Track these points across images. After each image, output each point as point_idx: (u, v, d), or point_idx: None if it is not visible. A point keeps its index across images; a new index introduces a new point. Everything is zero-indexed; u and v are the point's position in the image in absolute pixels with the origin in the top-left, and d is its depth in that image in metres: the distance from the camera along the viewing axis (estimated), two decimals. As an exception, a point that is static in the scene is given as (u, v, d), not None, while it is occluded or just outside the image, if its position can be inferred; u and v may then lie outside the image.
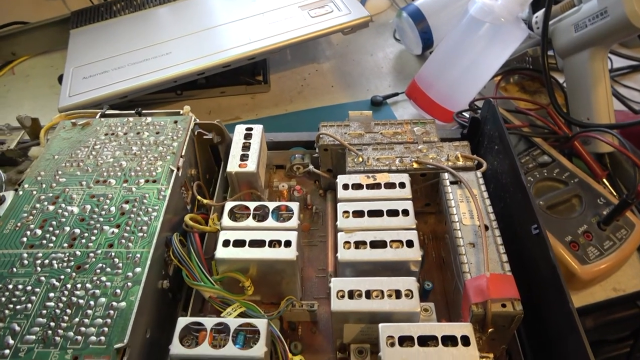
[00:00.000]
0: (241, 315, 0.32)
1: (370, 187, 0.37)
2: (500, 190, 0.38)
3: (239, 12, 0.70)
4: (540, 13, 0.57)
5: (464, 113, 0.55)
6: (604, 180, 0.52)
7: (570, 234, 0.46)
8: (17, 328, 0.29)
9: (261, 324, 0.29)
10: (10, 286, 0.31)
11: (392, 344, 0.28)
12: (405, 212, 0.35)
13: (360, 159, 0.39)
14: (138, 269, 0.32)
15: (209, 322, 0.30)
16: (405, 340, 0.28)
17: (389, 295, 0.30)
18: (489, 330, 0.30)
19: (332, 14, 0.65)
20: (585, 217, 0.47)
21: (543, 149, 0.53)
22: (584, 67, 0.53)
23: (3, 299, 0.30)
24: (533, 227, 0.32)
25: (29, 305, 0.30)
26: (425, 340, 0.28)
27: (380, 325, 0.29)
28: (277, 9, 0.68)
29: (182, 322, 0.30)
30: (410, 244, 0.33)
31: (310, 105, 0.70)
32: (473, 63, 0.59)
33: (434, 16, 0.71)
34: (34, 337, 0.28)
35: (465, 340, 0.28)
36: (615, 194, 0.51)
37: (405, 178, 0.37)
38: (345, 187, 0.37)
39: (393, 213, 0.35)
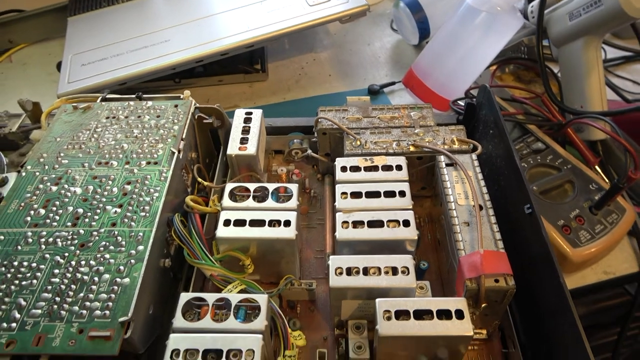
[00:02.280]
0: (242, 292, 0.33)
1: (368, 169, 0.38)
2: (495, 173, 0.39)
3: (237, 0, 0.70)
4: (535, 2, 0.57)
5: (459, 101, 0.55)
6: (597, 167, 0.53)
7: (563, 218, 0.47)
8: (23, 303, 0.30)
9: (262, 299, 0.30)
10: (16, 263, 0.31)
11: (389, 318, 0.29)
12: (402, 193, 0.35)
13: (358, 143, 0.40)
14: (141, 247, 0.32)
15: (210, 297, 0.30)
16: (402, 315, 0.29)
17: (386, 272, 0.31)
18: (483, 306, 0.30)
19: (330, 2, 0.65)
20: (577, 202, 0.48)
21: (537, 136, 0.54)
22: (578, 56, 0.54)
23: (9, 275, 0.31)
24: (526, 207, 0.33)
25: (34, 281, 0.31)
26: (421, 314, 0.29)
27: (377, 300, 0.29)
28: (275, -3, 0.69)
29: (185, 297, 0.30)
30: (406, 223, 0.34)
31: (308, 94, 0.70)
32: (469, 52, 0.59)
33: (431, 6, 0.71)
34: (39, 311, 0.29)
35: (459, 314, 0.29)
36: (607, 180, 0.52)
37: (402, 161, 0.38)
38: (344, 169, 0.38)
39: (390, 194, 0.35)
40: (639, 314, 0.50)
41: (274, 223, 0.34)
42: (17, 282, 0.31)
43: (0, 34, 0.81)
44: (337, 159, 0.38)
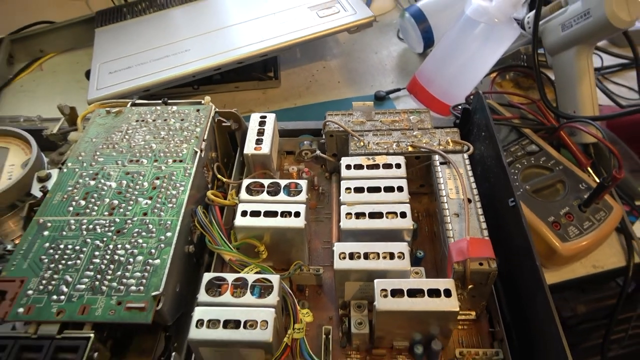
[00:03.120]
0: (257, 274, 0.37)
1: (370, 167, 0.42)
2: (486, 172, 0.43)
3: (252, 12, 0.75)
4: (531, 14, 0.61)
5: (459, 106, 0.59)
6: (589, 168, 0.57)
7: (553, 214, 0.50)
8: (70, 279, 0.34)
9: (274, 279, 0.35)
10: (62, 246, 0.36)
11: (385, 296, 0.33)
12: (400, 189, 0.40)
13: (362, 144, 0.44)
14: (169, 234, 0.37)
15: (229, 277, 0.35)
16: (397, 293, 0.33)
17: (384, 257, 0.35)
18: (469, 287, 0.34)
19: (339, 14, 0.70)
20: (567, 200, 0.52)
21: (531, 139, 0.57)
22: (570, 64, 0.57)
23: (56, 256, 0.36)
24: (510, 200, 0.37)
25: (78, 261, 0.35)
26: (414, 293, 0.33)
27: (375, 280, 0.34)
28: (287, 9, 0.73)
29: (207, 276, 0.35)
30: (403, 215, 0.38)
31: (318, 99, 0.75)
32: (469, 60, 0.63)
33: (435, 17, 0.76)
34: (83, 286, 0.34)
35: (447, 293, 0.33)
36: (598, 180, 0.55)
37: (401, 160, 0.42)
38: (348, 167, 0.42)
39: (389, 189, 0.40)
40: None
41: (285, 214, 0.39)
42: (63, 262, 0.35)
43: (32, 44, 0.87)
44: (343, 158, 0.43)
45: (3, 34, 0.85)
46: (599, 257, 0.52)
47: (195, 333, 0.32)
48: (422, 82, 0.67)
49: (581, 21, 0.53)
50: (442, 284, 0.33)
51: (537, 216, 0.50)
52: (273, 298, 0.33)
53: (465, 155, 0.41)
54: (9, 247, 0.40)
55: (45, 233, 0.37)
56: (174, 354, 0.32)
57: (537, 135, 0.58)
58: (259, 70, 0.76)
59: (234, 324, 0.32)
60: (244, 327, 0.32)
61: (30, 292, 0.34)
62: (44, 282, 0.34)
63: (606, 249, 0.53)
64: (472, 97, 0.60)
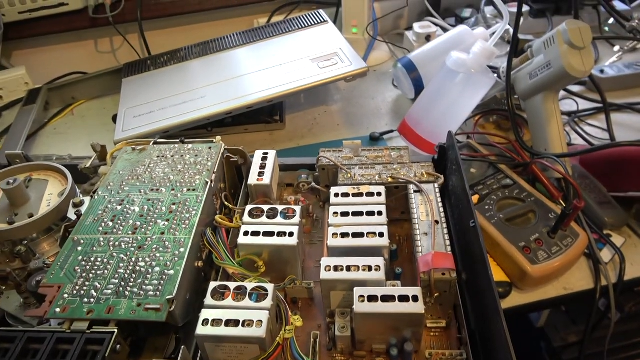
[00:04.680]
0: (255, 285, 0.44)
1: (355, 195, 0.48)
2: (457, 200, 0.50)
3: (260, 64, 0.84)
4: (504, 65, 0.69)
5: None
6: (560, 200, 0.63)
7: (524, 240, 0.56)
8: (98, 285, 0.41)
9: (269, 287, 0.41)
10: (92, 259, 0.43)
11: (363, 300, 0.39)
12: (380, 213, 0.46)
13: (349, 175, 0.51)
14: (182, 249, 0.44)
15: (232, 285, 0.41)
16: (372, 298, 0.39)
17: (363, 269, 0.41)
18: (435, 295, 0.40)
19: (337, 65, 0.79)
20: (537, 227, 0.57)
21: (506, 174, 0.64)
22: (539, 107, 0.65)
23: (88, 266, 0.43)
24: (471, 222, 0.43)
25: (106, 271, 0.42)
26: (387, 298, 0.39)
27: (355, 287, 0.40)
28: (292, 61, 0.82)
29: (213, 284, 0.41)
30: (381, 235, 0.44)
31: (319, 140, 0.82)
32: (451, 105, 0.71)
33: (424, 67, 0.84)
34: (110, 291, 0.40)
35: (415, 298, 0.38)
36: (566, 210, 0.61)
37: (381, 189, 0.49)
38: (336, 195, 0.49)
39: (371, 214, 0.46)
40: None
41: (281, 234, 0.45)
42: (93, 271, 0.42)
43: (66, 92, 0.97)
44: (332, 187, 0.50)
45: (41, 84, 0.96)
46: (570, 279, 0.57)
47: (201, 330, 0.38)
48: (410, 124, 0.74)
49: (545, 71, 0.61)
50: (411, 291, 0.39)
51: (510, 241, 0.56)
52: (267, 302, 0.39)
53: (436, 185, 0.48)
54: (48, 261, 0.47)
55: (79, 248, 0.44)
56: (183, 347, 0.38)
57: (512, 171, 0.65)
58: (266, 114, 0.85)
59: (234, 323, 0.38)
60: (242, 325, 0.38)
61: (65, 295, 0.40)
62: (77, 287, 0.41)
63: (576, 272, 0.58)
64: (457, 137, 0.68)
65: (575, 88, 0.86)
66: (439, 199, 0.46)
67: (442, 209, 0.45)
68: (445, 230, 0.43)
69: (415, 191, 0.47)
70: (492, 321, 0.37)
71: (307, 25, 0.93)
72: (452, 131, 0.53)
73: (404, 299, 0.39)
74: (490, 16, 1.01)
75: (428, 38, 0.97)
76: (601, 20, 1.02)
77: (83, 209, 0.49)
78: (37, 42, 1.02)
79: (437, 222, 0.44)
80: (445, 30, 1.00)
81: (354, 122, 0.86)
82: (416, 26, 0.99)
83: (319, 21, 0.93)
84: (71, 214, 0.50)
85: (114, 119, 0.83)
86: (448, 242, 0.42)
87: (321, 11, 0.95)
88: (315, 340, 0.43)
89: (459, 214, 0.48)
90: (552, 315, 0.87)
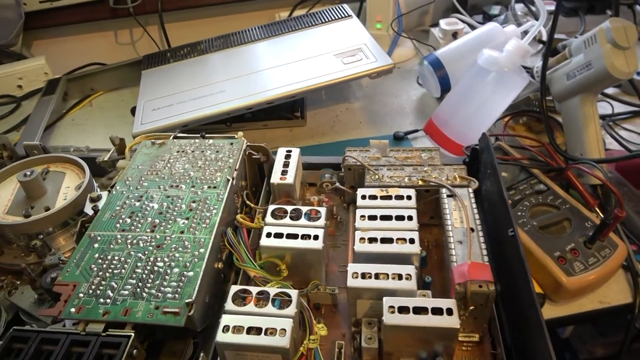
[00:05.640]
0: (277, 290, 0.41)
1: (383, 198, 0.46)
2: (491, 206, 0.47)
3: (282, 58, 0.82)
4: (539, 64, 0.66)
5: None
6: (596, 208, 0.59)
7: (559, 250, 0.53)
8: (115, 285, 0.39)
9: (293, 293, 0.39)
10: (109, 257, 0.41)
11: (393, 312, 0.36)
12: (410, 218, 0.44)
13: (377, 177, 0.49)
14: (202, 250, 0.42)
15: (253, 289, 0.39)
16: (403, 310, 0.37)
17: (393, 278, 0.39)
18: (470, 308, 0.38)
19: (362, 61, 0.76)
20: (573, 237, 0.54)
21: (540, 178, 0.61)
22: (576, 110, 0.61)
23: (104, 265, 0.41)
24: (509, 231, 0.40)
25: (123, 270, 0.40)
26: (419, 310, 0.36)
27: (384, 297, 0.37)
28: (314, 56, 0.80)
29: (234, 288, 0.39)
30: (412, 241, 0.42)
31: (340, 138, 0.80)
32: (481, 105, 0.68)
33: (451, 65, 0.81)
34: (127, 292, 0.39)
35: (449, 311, 0.36)
36: (604, 219, 0.58)
37: (411, 192, 0.46)
38: (363, 197, 0.46)
39: (400, 218, 0.44)
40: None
41: (305, 237, 0.43)
42: (110, 270, 0.40)
43: (85, 83, 0.96)
44: (359, 189, 0.47)
45: (61, 74, 0.95)
46: (606, 293, 0.54)
47: (221, 337, 0.36)
48: (437, 124, 0.72)
49: (584, 72, 0.58)
50: (445, 303, 0.36)
51: (544, 251, 0.53)
52: (291, 310, 0.37)
53: (470, 190, 0.45)
54: (63, 257, 0.45)
55: (96, 245, 0.43)
56: (202, 354, 0.36)
57: (545, 176, 0.62)
58: (286, 110, 0.83)
59: (256, 330, 0.36)
60: (265, 333, 0.36)
61: (81, 295, 0.39)
62: (93, 287, 0.39)
63: (613, 285, 0.55)
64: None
65: (609, 90, 0.82)
66: (474, 205, 0.43)
67: (477, 216, 0.42)
68: (482, 239, 0.40)
69: (448, 195, 0.45)
70: (534, 339, 0.34)
71: (330, 19, 0.91)
72: (486, 133, 0.50)
73: (437, 311, 0.36)
74: (521, 13, 0.97)
75: (455, 35, 0.94)
76: (637, 20, 0.98)
77: (100, 204, 0.48)
78: (57, 31, 1.02)
79: (472, 229, 0.41)
80: (472, 27, 0.97)
81: (377, 120, 0.84)
82: (442, 23, 0.96)
83: (343, 15, 0.91)
84: (88, 209, 0.49)
85: (133, 111, 0.82)
86: (485, 252, 0.39)
87: (345, 5, 0.93)
88: (340, 350, 0.41)
89: (493, 221, 0.45)
90: (578, 326, 0.84)
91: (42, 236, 0.49)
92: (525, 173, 0.62)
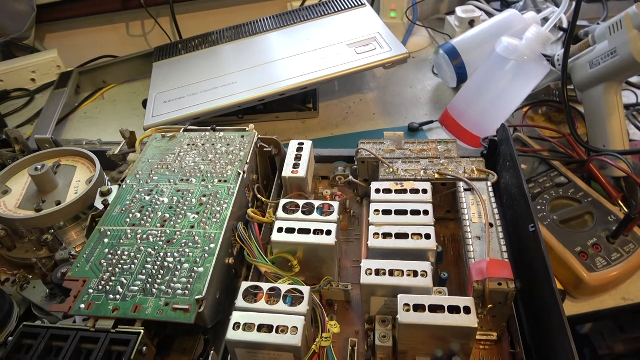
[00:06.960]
0: (289, 286, 0.41)
1: (398, 192, 0.45)
2: (511, 200, 0.45)
3: (294, 49, 0.81)
4: (561, 52, 0.64)
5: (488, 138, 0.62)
6: (620, 201, 0.57)
7: (581, 245, 0.51)
8: (125, 281, 0.39)
9: (305, 290, 0.38)
10: (119, 252, 0.41)
11: (408, 310, 0.35)
12: (426, 212, 0.42)
13: (391, 170, 0.47)
14: (212, 245, 0.41)
15: (265, 286, 0.38)
16: (419, 308, 0.35)
17: (408, 275, 0.38)
18: (489, 306, 0.36)
19: (376, 51, 0.74)
20: (595, 231, 0.52)
21: (560, 171, 0.59)
22: (599, 100, 0.59)
23: (114, 260, 0.40)
24: (530, 226, 0.38)
25: (133, 266, 0.40)
26: (435, 309, 0.35)
27: (399, 295, 0.36)
28: (327, 46, 0.78)
29: (245, 285, 0.38)
30: (428, 237, 0.40)
31: (354, 130, 0.78)
32: (499, 95, 0.66)
33: (468, 54, 0.79)
34: (136, 288, 0.38)
35: (467, 310, 0.34)
36: (628, 213, 0.56)
37: (427, 186, 0.45)
38: (377, 191, 0.45)
39: (416, 212, 0.42)
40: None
41: (318, 232, 0.42)
42: (120, 266, 0.40)
43: (97, 76, 0.96)
44: (373, 182, 0.46)
45: (73, 67, 0.95)
46: (630, 289, 0.52)
47: (232, 334, 0.35)
48: (453, 115, 0.70)
49: (608, 59, 0.55)
50: (462, 301, 0.35)
51: (564, 246, 0.51)
52: (303, 307, 0.36)
53: (489, 183, 0.43)
54: (74, 252, 0.45)
55: (106, 240, 0.42)
56: (212, 352, 0.36)
57: (566, 168, 0.59)
58: (299, 102, 0.81)
59: (267, 328, 0.35)
60: (276, 331, 0.35)
61: (90, 290, 0.38)
62: (102, 282, 0.39)
63: (637, 281, 0.53)
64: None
65: (634, 79, 0.79)
66: (493, 199, 0.42)
67: (496, 211, 0.41)
68: (501, 235, 0.39)
69: (465, 189, 0.43)
70: (556, 340, 0.33)
71: (343, 8, 0.89)
72: (505, 124, 0.48)
73: (454, 310, 0.35)
74: (541, 0, 0.94)
75: (472, 23, 0.91)
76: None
77: (110, 198, 0.47)
78: (69, 24, 1.01)
79: (491, 225, 0.39)
80: (490, 15, 0.94)
81: (391, 111, 0.82)
82: (459, 10, 0.93)
83: (356, 4, 0.89)
84: (98, 203, 0.48)
85: (144, 103, 0.81)
86: (505, 248, 0.38)
87: (358, -7, 0.91)
88: (353, 348, 0.40)
89: (512, 216, 0.44)
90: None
91: (53, 230, 0.49)
92: (545, 165, 0.60)
